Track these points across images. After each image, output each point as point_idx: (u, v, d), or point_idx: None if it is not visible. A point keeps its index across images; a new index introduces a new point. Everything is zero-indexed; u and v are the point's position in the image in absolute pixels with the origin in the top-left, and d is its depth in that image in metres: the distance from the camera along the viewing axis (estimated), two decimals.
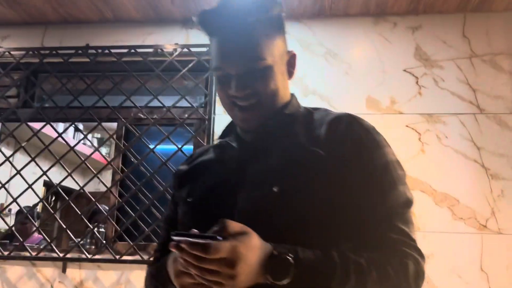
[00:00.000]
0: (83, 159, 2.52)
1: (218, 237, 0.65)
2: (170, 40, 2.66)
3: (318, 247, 0.75)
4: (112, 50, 2.63)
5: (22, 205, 2.77)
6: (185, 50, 2.58)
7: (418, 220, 2.29)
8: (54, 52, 2.66)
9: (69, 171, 2.49)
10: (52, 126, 2.57)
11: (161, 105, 2.53)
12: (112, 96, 2.60)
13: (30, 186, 2.49)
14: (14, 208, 2.71)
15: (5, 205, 3.39)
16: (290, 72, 0.95)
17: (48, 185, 4.28)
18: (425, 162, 2.38)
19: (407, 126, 2.43)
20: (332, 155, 0.83)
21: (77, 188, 2.51)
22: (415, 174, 2.36)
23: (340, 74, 2.55)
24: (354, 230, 0.80)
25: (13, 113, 2.64)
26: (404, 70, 2.51)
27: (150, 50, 2.60)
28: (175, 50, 2.58)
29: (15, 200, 2.49)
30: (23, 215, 2.73)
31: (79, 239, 2.41)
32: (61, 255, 2.39)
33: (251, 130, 0.92)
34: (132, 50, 2.61)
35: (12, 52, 2.69)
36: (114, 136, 2.58)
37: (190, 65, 2.51)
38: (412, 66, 2.51)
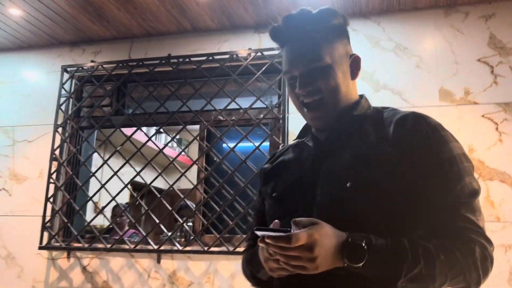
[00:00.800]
0: (170, 160, 2.76)
1: (290, 230, 0.79)
2: (244, 46, 2.84)
3: (390, 236, 0.85)
4: (192, 58, 2.85)
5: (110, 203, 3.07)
6: (258, 54, 2.74)
7: (498, 210, 2.28)
8: (140, 63, 2.94)
9: (159, 171, 2.74)
10: (142, 131, 2.84)
11: (238, 107, 2.72)
12: (193, 101, 2.83)
13: (126, 185, 2.78)
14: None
15: (99, 203, 3.78)
16: (354, 73, 1.05)
17: (134, 184, 4.66)
18: (503, 152, 2.36)
19: (483, 116, 2.42)
20: (400, 152, 0.91)
21: (160, 186, 2.75)
22: (493, 165, 2.35)
23: (411, 67, 2.58)
24: (422, 220, 0.89)
25: (107, 120, 2.95)
26: (478, 60, 2.49)
27: (226, 56, 2.79)
28: (249, 55, 2.75)
29: (113, 198, 2.79)
30: (121, 211, 3.04)
31: (171, 233, 2.65)
32: (155, 247, 2.65)
33: (324, 129, 1.04)
34: (210, 58, 2.82)
35: (104, 66, 3.01)
36: (198, 138, 2.80)
37: (263, 68, 2.67)
38: (486, 56, 2.48)
